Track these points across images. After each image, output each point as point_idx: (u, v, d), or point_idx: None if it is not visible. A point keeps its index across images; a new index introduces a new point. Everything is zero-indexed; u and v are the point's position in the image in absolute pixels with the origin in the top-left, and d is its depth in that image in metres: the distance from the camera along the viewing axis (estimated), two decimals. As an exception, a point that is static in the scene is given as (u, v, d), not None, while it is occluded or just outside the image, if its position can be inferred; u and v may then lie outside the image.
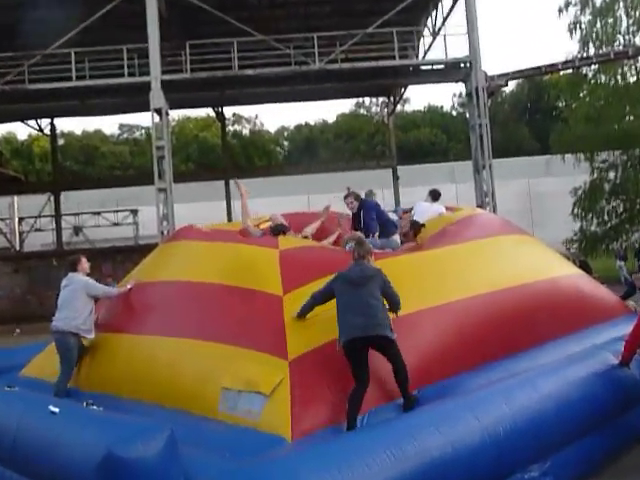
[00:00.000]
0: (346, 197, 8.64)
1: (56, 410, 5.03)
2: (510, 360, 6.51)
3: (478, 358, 6.37)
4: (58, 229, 32.23)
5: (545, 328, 7.10)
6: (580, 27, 27.37)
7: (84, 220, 37.62)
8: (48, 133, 33.60)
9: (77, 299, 7.26)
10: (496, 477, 4.83)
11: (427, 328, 6.30)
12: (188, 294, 6.95)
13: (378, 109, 55.08)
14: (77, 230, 37.02)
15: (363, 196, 8.94)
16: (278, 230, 7.77)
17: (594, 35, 26.90)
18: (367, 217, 8.11)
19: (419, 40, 25.45)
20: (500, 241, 8.41)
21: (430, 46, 25.44)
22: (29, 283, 25.79)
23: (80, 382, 7.03)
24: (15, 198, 37.61)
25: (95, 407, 5.44)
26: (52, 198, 32.03)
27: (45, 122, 32.72)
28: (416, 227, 8.53)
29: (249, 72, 21.01)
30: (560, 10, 27.99)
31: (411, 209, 9.99)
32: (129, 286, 7.67)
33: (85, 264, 7.71)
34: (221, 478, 3.92)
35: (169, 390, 5.96)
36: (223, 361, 5.77)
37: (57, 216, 32.05)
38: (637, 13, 26.46)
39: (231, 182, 30.07)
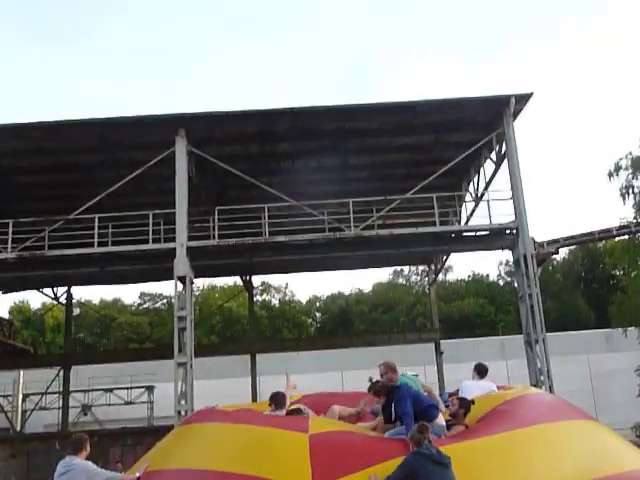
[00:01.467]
0: (380, 366, 8.62)
1: None
2: None
3: None
4: (65, 407, 31.86)
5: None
6: (633, 191, 27.92)
7: (94, 398, 37.37)
8: (63, 302, 34.13)
9: None
10: None
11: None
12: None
13: (418, 278, 56.11)
14: (86, 409, 36.68)
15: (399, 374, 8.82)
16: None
17: (650, 198, 27.38)
18: (399, 409, 7.71)
19: (461, 205, 25.96)
20: (563, 427, 8.09)
21: (473, 211, 25.84)
22: (27, 470, 25.10)
23: None
24: (21, 372, 37.74)
25: None
26: (61, 373, 31.96)
27: (61, 290, 33.45)
28: (466, 405, 8.24)
29: (280, 238, 21.42)
30: (610, 174, 28.73)
31: (457, 391, 9.73)
32: (137, 474, 7.43)
33: (88, 446, 7.52)
34: None
35: None
36: None
37: (65, 393, 31.79)
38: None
39: (286, 374, 29.97)
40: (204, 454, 7.23)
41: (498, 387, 9.54)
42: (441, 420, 7.82)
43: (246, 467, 6.56)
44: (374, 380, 8.62)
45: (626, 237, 27.97)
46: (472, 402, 8.26)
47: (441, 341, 30.39)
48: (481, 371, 9.78)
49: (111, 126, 21.19)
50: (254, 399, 27.64)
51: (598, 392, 35.34)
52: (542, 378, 19.92)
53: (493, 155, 23.09)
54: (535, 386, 17.99)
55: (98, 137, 21.47)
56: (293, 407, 8.86)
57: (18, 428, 34.83)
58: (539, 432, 7.64)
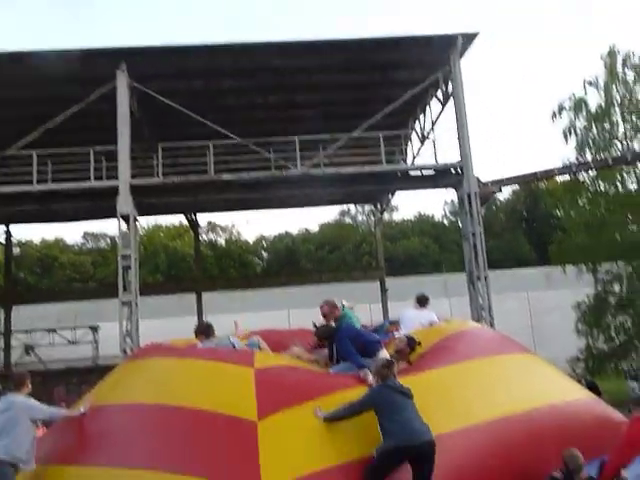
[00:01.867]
0: (322, 307, 8.79)
1: None
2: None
3: None
4: (7, 348, 31.56)
5: (556, 458, 6.93)
6: (575, 132, 28.38)
7: (37, 338, 36.90)
8: (2, 241, 33.57)
9: (18, 424, 6.98)
10: None
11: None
12: (150, 419, 6.77)
13: (364, 218, 56.53)
14: (28, 349, 36.25)
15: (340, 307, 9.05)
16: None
17: (590, 141, 27.89)
18: (341, 350, 8.00)
19: (407, 144, 26.14)
20: (502, 361, 8.37)
21: (419, 151, 26.12)
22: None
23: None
24: (-39, 313, 37.10)
25: None
26: (2, 313, 31.55)
27: (0, 230, 32.83)
28: (413, 345, 8.43)
29: (226, 176, 21.27)
30: (554, 115, 29.10)
31: (398, 321, 9.93)
32: (82, 409, 7.44)
33: (29, 383, 7.49)
34: None
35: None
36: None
37: (6, 333, 31.45)
38: (633, 118, 27.58)
39: (234, 323, 30.03)
40: (149, 389, 7.30)
41: (438, 317, 9.75)
42: (385, 354, 8.00)
43: (191, 401, 6.65)
44: (318, 325, 8.78)
45: (567, 177, 28.53)
46: (419, 344, 8.45)
47: (386, 279, 30.76)
48: (421, 301, 9.97)
49: (47, 59, 20.36)
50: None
51: (537, 328, 36.37)
52: (484, 314, 20.48)
53: (439, 94, 23.20)
54: (477, 322, 18.47)
55: (34, 70, 20.60)
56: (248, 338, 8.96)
57: (-41, 369, 34.40)
58: (478, 366, 7.91)
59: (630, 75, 28.16)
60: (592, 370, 26.43)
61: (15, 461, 6.86)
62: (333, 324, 8.73)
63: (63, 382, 25.67)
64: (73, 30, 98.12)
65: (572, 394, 8.63)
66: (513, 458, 6.73)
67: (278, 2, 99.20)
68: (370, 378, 6.91)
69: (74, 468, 6.71)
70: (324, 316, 8.98)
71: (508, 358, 8.57)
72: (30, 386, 7.48)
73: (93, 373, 22.60)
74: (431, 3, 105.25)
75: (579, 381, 12.24)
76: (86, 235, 61.00)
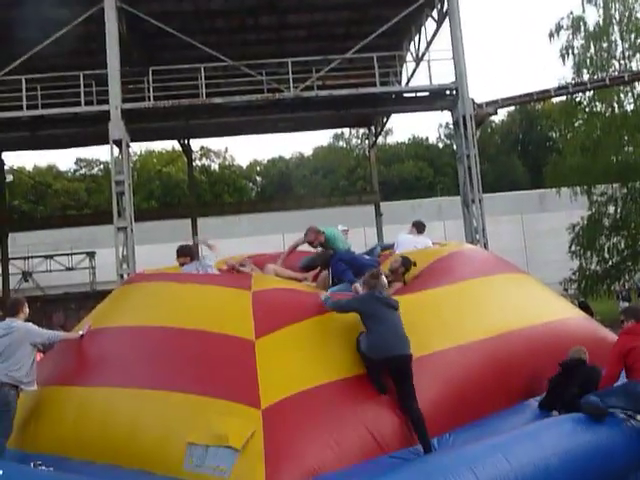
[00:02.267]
0: (306, 235, 8.83)
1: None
2: (515, 411, 6.59)
3: (479, 410, 6.42)
4: (5, 275, 31.74)
5: (548, 374, 7.10)
6: (573, 52, 28.01)
7: (34, 265, 37.23)
8: (-5, 169, 33.38)
9: (18, 348, 7.09)
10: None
11: (422, 378, 6.26)
12: (149, 340, 6.86)
13: (358, 141, 56.07)
14: (26, 276, 36.57)
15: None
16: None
17: (588, 60, 27.53)
18: (336, 272, 8.15)
19: (402, 66, 25.72)
20: (496, 281, 8.44)
21: (413, 72, 25.75)
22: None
23: (25, 443, 6.82)
24: (-43, 241, 37.18)
25: (44, 468, 5.31)
26: (-1, 240, 31.66)
27: (-8, 156, 32.59)
28: (407, 265, 8.50)
29: (217, 100, 21.03)
30: (551, 35, 28.65)
31: (393, 245, 9.98)
32: (81, 332, 7.55)
33: (26, 308, 7.57)
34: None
35: (128, 448, 5.84)
36: (189, 413, 5.68)
37: (4, 260, 31.59)
38: (632, 37, 27.17)
39: (199, 238, 30.14)
40: (148, 312, 7.38)
41: (434, 243, 9.81)
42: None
43: (189, 322, 6.73)
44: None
45: (564, 98, 28.25)
46: (414, 264, 8.53)
47: (381, 203, 30.82)
48: (419, 227, 10.00)
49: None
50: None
51: (531, 250, 36.69)
52: (478, 237, 20.60)
53: (435, 13, 22.70)
54: (471, 244, 18.62)
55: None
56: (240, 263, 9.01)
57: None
58: (473, 286, 7.99)
59: (630, -9, 27.64)
60: (585, 291, 26.84)
61: (16, 383, 6.99)
62: (319, 249, 8.87)
63: (61, 308, 26.00)
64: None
65: (564, 313, 8.77)
66: (507, 374, 6.87)
67: None
68: (360, 289, 7.05)
69: (74, 388, 6.84)
70: (310, 243, 9.01)
71: (502, 278, 8.63)
72: (27, 311, 7.54)
73: (91, 298, 22.84)
74: None
75: (572, 302, 12.44)
76: (79, 161, 60.61)
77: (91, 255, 37.25)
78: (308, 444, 5.31)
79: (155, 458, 5.58)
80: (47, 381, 7.21)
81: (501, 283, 8.45)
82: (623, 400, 6.34)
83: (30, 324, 7.42)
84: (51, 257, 37.48)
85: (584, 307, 14.56)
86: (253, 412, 5.41)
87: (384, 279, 6.76)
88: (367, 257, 9.08)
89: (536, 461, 5.22)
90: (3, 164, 33.14)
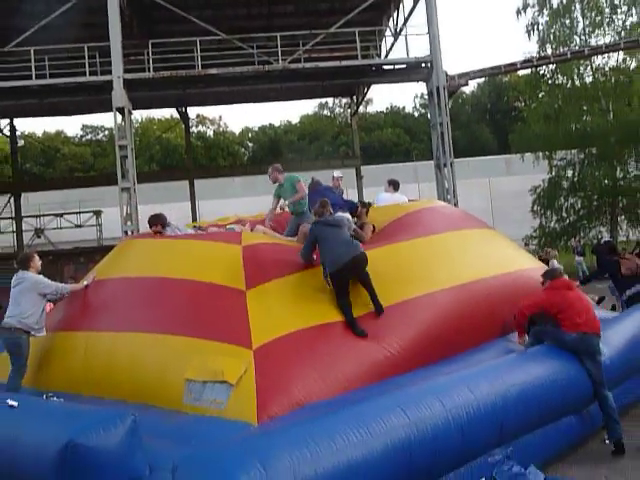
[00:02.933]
0: (270, 175, 8.98)
1: (15, 404, 4.92)
2: (479, 351, 6.67)
3: (447, 350, 6.48)
4: (19, 231, 31.60)
5: (509, 317, 7.15)
6: (538, 28, 27.87)
7: (46, 222, 37.04)
8: (7, 134, 32.98)
9: (28, 297, 7.10)
10: (461, 460, 4.91)
11: (396, 322, 6.35)
12: (149, 289, 6.86)
13: (341, 110, 55.68)
14: (39, 232, 36.41)
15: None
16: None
17: (552, 36, 27.43)
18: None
19: (381, 40, 25.51)
20: (464, 234, 8.43)
21: (392, 46, 25.51)
22: (-12, 285, 25.21)
23: (38, 382, 6.84)
24: (-26, 200, 36.87)
25: (55, 399, 5.35)
26: (12, 200, 31.40)
27: (4, 122, 32.18)
28: (366, 205, 8.79)
29: (212, 71, 20.76)
30: (518, 12, 28.48)
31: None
32: (85, 282, 7.55)
33: (37, 262, 7.49)
34: (180, 464, 3.84)
35: (132, 385, 5.88)
36: (187, 353, 5.71)
37: (17, 218, 31.44)
38: (593, 14, 27.02)
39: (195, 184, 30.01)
40: (148, 264, 7.37)
41: (409, 200, 9.79)
42: (345, 214, 7.91)
43: (185, 273, 6.73)
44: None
45: (529, 71, 28.15)
46: (370, 204, 8.95)
47: (361, 167, 30.76)
48: (395, 185, 9.96)
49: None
50: (194, 221, 27.93)
51: (497, 210, 36.84)
52: (449, 197, 20.66)
53: (412, -9, 22.48)
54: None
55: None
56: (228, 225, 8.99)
57: (-25, 250, 34.52)
58: (442, 239, 7.95)
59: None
60: (544, 246, 27.05)
61: (27, 328, 7.02)
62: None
63: (71, 261, 25.88)
64: None
65: (526, 264, 8.83)
66: (473, 318, 6.93)
67: None
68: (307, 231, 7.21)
69: (81, 333, 6.85)
70: (275, 182, 8.95)
71: (470, 232, 8.59)
72: (38, 264, 7.51)
73: (98, 252, 22.73)
74: None
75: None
76: (85, 127, 60.06)
77: (98, 213, 37.09)
78: (294, 378, 5.36)
79: (157, 394, 5.61)
80: (57, 327, 7.22)
81: (469, 237, 8.41)
82: (552, 343, 6.46)
83: (40, 276, 7.40)
84: (61, 215, 37.29)
85: (543, 260, 14.67)
86: (245, 352, 5.45)
87: (329, 207, 6.96)
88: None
89: (497, 392, 5.28)
90: (15, 130, 32.77)
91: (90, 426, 4.16)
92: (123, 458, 4.13)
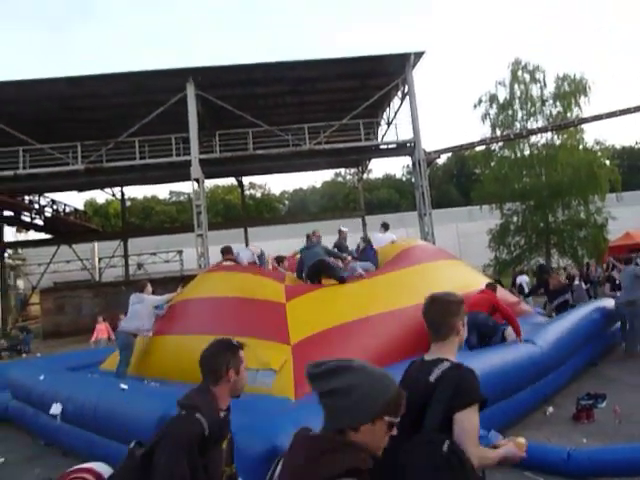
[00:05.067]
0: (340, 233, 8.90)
1: (125, 387, 4.99)
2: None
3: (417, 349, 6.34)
4: (126, 265, 32.03)
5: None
6: (489, 117, 27.97)
7: (144, 259, 37.49)
8: (119, 198, 33.65)
9: (147, 311, 7.26)
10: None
11: (384, 324, 6.31)
12: (217, 304, 6.94)
13: (351, 177, 55.94)
14: (139, 266, 36.84)
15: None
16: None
17: (499, 122, 27.51)
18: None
19: (378, 128, 25.85)
20: (441, 264, 8.47)
21: (386, 132, 25.85)
22: (104, 305, 25.43)
23: (140, 371, 6.94)
24: (95, 244, 37.49)
25: (153, 384, 5.39)
26: (122, 243, 31.89)
27: (117, 190, 32.86)
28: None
29: (260, 152, 21.18)
30: (475, 105, 28.64)
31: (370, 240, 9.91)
32: (174, 294, 7.83)
33: (149, 288, 7.70)
34: (242, 428, 3.83)
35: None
36: (245, 349, 5.71)
37: (125, 256, 31.88)
38: (528, 106, 27.12)
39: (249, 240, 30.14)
40: (217, 287, 7.45)
41: (396, 237, 9.77)
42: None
43: (244, 293, 6.80)
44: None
45: (483, 147, 28.24)
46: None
47: (365, 217, 30.83)
48: (386, 227, 9.99)
49: (142, 76, 20.08)
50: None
51: (463, 246, 36.50)
52: (428, 237, 20.62)
53: (399, 94, 22.78)
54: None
55: (134, 84, 20.34)
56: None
57: (97, 279, 34.98)
58: (424, 267, 7.98)
59: (527, 77, 27.53)
60: (498, 271, 26.76)
61: (139, 333, 7.15)
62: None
63: (162, 286, 26.02)
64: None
65: (483, 284, 8.75)
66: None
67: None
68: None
69: (172, 336, 6.95)
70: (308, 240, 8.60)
71: (445, 262, 8.66)
72: (149, 289, 7.67)
73: (180, 280, 22.84)
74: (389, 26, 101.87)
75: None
76: (172, 192, 60.97)
77: (180, 252, 37.44)
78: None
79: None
80: (156, 332, 7.33)
81: (444, 265, 8.46)
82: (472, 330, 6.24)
83: (152, 296, 7.56)
84: (154, 254, 37.69)
85: (497, 282, 14.48)
86: (285, 347, 5.49)
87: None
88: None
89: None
90: (124, 195, 33.43)
91: (177, 401, 4.19)
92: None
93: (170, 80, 20.08)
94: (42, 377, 6.45)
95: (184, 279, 12.61)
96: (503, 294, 8.91)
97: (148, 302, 7.36)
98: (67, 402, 5.57)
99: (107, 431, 4.92)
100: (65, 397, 5.64)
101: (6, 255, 30.70)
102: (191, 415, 2.01)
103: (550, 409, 6.12)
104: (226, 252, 8.46)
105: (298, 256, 8.79)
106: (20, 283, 39.01)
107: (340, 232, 9.49)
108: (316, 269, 6.97)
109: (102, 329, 14.33)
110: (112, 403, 4.89)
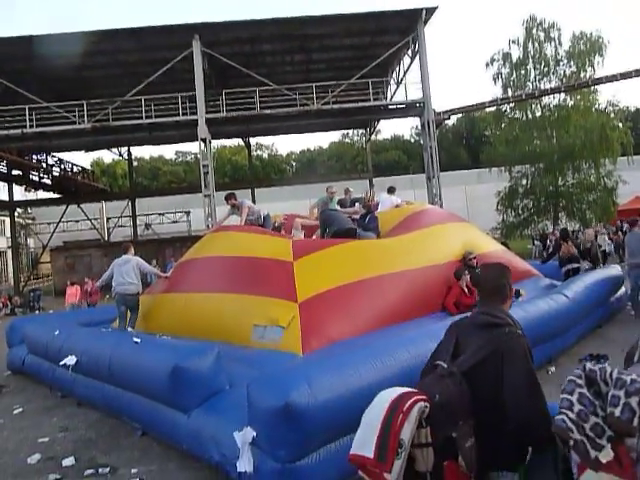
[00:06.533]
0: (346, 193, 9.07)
1: (138, 340, 5.11)
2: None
3: (424, 309, 6.38)
4: (134, 225, 32.22)
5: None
6: (501, 77, 27.26)
7: (152, 219, 37.66)
8: (126, 158, 33.54)
9: (135, 272, 7.45)
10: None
11: (391, 286, 6.30)
12: (226, 263, 6.91)
13: (358, 138, 55.28)
14: (147, 226, 37.05)
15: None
16: None
17: (511, 82, 26.84)
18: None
19: (387, 87, 25.34)
20: (449, 227, 8.40)
21: (395, 92, 25.34)
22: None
23: (149, 327, 7.03)
24: (103, 204, 37.60)
25: (165, 337, 5.51)
26: (129, 203, 31.99)
27: (124, 150, 32.71)
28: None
29: (267, 112, 20.90)
30: (487, 64, 27.88)
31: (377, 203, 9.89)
32: (166, 275, 7.91)
33: (132, 250, 7.83)
34: (251, 382, 3.93)
35: (215, 328, 5.97)
36: (253, 306, 5.80)
37: (133, 216, 32.02)
38: (541, 66, 26.38)
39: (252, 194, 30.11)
40: (224, 247, 7.38)
41: (401, 201, 9.71)
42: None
43: (252, 252, 6.77)
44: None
45: (494, 108, 27.66)
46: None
47: (373, 179, 30.62)
48: (391, 189, 9.96)
49: (147, 32, 19.64)
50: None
51: (471, 209, 36.28)
52: (436, 200, 20.53)
53: (410, 52, 22.19)
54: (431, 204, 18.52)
55: (140, 41, 19.95)
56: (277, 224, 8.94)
57: (106, 238, 35.29)
58: (434, 230, 7.92)
59: (541, 36, 26.65)
60: (505, 235, 26.68)
61: (138, 292, 7.31)
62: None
63: (170, 246, 26.32)
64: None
65: (492, 247, 8.78)
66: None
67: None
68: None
69: (180, 294, 6.96)
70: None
71: (453, 225, 8.57)
72: (132, 251, 7.77)
73: (188, 240, 23.10)
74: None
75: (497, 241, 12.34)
76: (178, 152, 60.68)
77: (187, 213, 37.56)
78: (328, 322, 5.39)
79: (233, 334, 5.70)
80: (164, 290, 7.40)
81: (452, 228, 8.39)
82: None
83: (139, 258, 7.66)
84: (162, 214, 37.83)
85: (504, 244, 14.45)
86: (293, 305, 5.51)
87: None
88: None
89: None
90: (131, 155, 33.31)
91: (189, 355, 4.31)
92: (211, 377, 4.26)
93: (176, 37, 19.68)
94: (57, 332, 6.61)
95: (192, 239, 12.72)
96: (510, 257, 8.90)
97: (134, 263, 7.53)
98: (82, 355, 5.73)
99: (121, 382, 5.08)
100: (81, 350, 5.81)
101: (16, 214, 30.89)
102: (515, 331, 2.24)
103: (552, 369, 6.21)
104: (230, 197, 8.42)
105: (315, 211, 8.93)
106: (30, 242, 39.46)
107: (346, 191, 9.54)
108: (346, 235, 6.97)
109: (72, 293, 14.48)
110: (125, 355, 5.03)
